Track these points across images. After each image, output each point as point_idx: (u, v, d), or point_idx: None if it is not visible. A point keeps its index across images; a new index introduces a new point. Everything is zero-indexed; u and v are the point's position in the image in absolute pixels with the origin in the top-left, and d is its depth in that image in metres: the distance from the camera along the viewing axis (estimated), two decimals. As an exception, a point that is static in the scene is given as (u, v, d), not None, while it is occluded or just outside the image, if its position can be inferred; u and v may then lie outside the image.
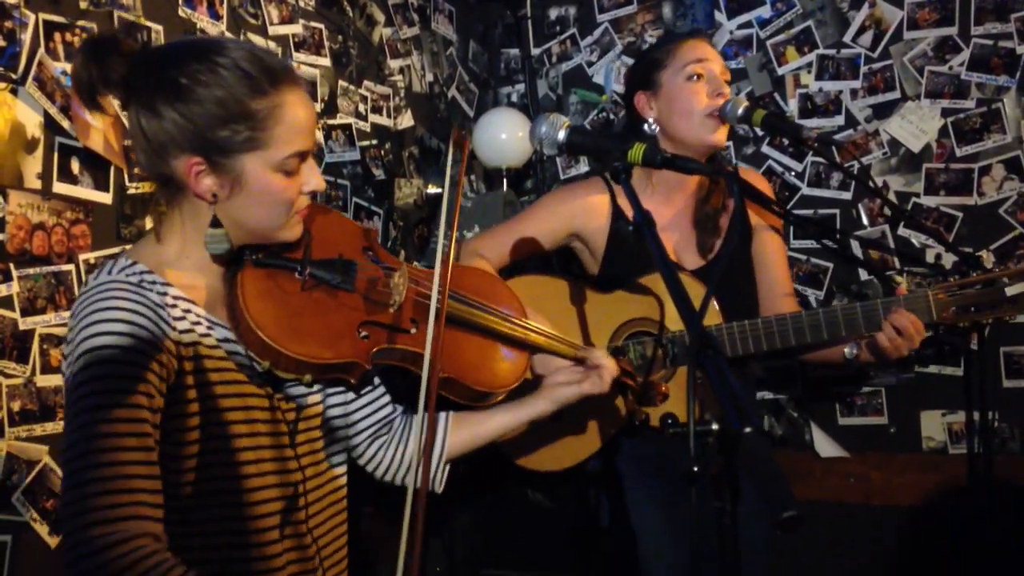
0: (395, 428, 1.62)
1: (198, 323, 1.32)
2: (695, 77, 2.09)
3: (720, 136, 2.09)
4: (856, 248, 2.82)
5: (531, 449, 2.10)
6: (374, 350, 1.42)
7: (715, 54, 2.15)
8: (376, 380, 1.61)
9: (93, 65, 1.26)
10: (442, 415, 1.63)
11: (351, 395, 1.56)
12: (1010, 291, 1.96)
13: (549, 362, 1.76)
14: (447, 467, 1.63)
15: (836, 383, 2.82)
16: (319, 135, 2.55)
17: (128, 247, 1.56)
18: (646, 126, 2.15)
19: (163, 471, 1.24)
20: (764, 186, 2.27)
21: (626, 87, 2.28)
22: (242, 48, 1.30)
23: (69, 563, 1.11)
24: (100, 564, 1.08)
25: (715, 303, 2.04)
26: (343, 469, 1.55)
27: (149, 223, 2.01)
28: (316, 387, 1.48)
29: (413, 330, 1.46)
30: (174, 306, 1.30)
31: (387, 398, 1.62)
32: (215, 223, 1.31)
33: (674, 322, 2.04)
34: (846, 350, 2.04)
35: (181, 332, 1.29)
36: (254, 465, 1.34)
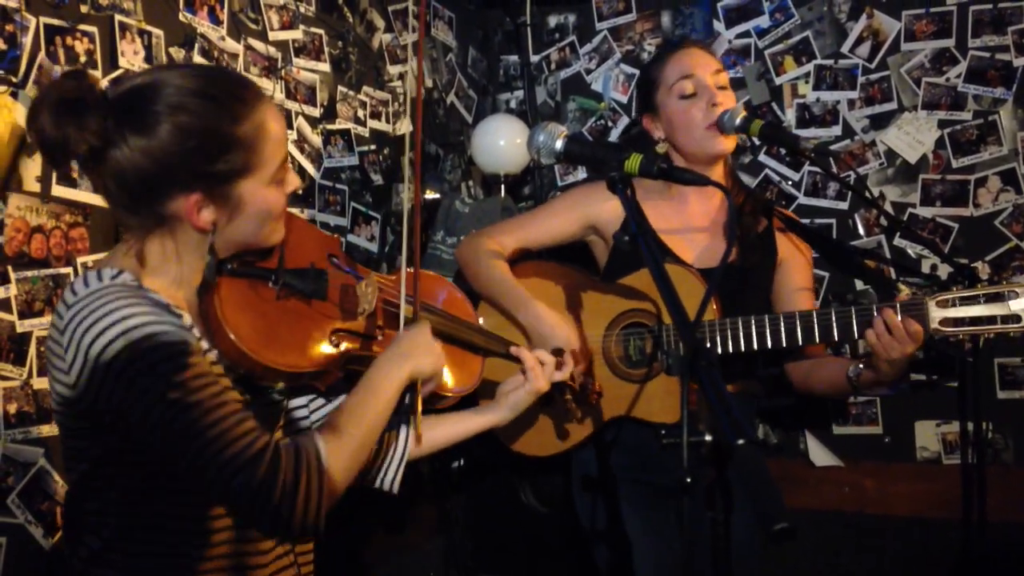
0: None
1: (192, 327, 1.32)
2: (687, 95, 2.09)
3: (724, 144, 2.08)
4: (852, 258, 2.83)
5: (520, 432, 2.13)
6: (346, 357, 1.44)
7: (703, 60, 2.12)
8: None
9: (68, 120, 1.18)
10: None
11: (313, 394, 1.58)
12: (1015, 306, 1.88)
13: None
14: (404, 468, 1.65)
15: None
16: (318, 140, 2.56)
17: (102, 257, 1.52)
18: (658, 146, 2.18)
19: (138, 471, 1.26)
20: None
21: (636, 109, 2.30)
22: (194, 73, 1.27)
23: (236, 492, 1.16)
24: (252, 477, 1.15)
25: (713, 301, 2.00)
26: None
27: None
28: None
29: (380, 336, 1.49)
30: (167, 306, 1.29)
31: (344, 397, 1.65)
32: (212, 250, 1.30)
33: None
34: (849, 370, 2.00)
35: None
36: None
